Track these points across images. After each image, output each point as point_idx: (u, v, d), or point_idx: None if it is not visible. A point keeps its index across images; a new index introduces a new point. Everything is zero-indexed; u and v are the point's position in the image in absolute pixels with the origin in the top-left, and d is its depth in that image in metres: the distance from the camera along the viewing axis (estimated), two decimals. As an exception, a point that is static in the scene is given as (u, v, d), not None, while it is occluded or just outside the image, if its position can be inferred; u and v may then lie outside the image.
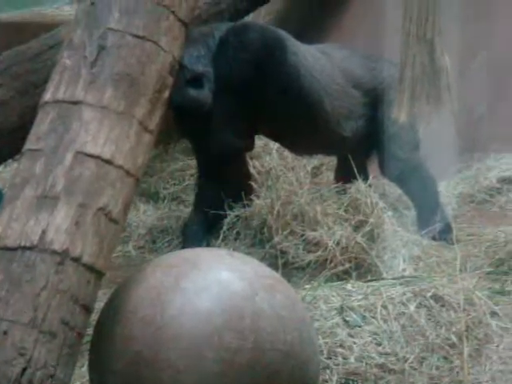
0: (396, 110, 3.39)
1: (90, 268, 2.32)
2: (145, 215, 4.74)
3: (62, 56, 2.53)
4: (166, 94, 2.57)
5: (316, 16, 5.94)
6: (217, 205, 4.11)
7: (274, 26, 4.63)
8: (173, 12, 2.60)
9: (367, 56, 4.55)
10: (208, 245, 4.07)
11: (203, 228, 4.18)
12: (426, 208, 4.43)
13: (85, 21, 2.55)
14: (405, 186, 4.53)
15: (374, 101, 4.40)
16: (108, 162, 2.39)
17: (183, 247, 4.22)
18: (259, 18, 5.81)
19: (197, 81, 4.02)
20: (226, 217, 4.08)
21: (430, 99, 3.34)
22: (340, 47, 4.63)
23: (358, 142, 4.39)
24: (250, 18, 5.67)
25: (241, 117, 4.12)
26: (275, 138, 4.52)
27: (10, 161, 4.43)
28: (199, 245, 4.03)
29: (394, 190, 4.79)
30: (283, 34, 4.28)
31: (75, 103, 2.43)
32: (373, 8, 5.54)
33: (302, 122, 4.25)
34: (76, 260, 2.29)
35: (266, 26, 4.49)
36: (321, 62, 4.32)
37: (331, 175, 4.91)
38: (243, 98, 4.10)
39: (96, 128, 2.40)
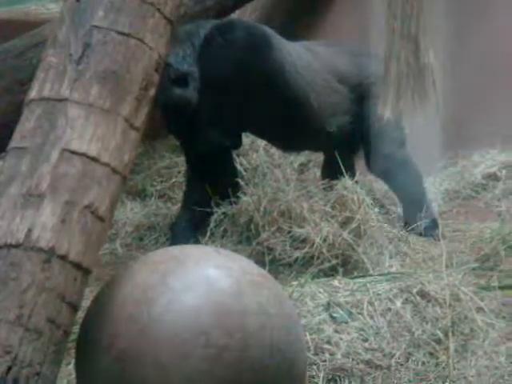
0: (381, 106, 3.40)
1: (77, 266, 2.31)
2: (132, 213, 4.74)
3: (47, 54, 2.52)
4: (152, 91, 2.57)
5: (301, 12, 5.95)
6: (205, 202, 4.11)
7: (259, 23, 4.63)
8: (158, 9, 2.59)
9: (353, 51, 4.56)
10: (196, 242, 4.07)
11: (191, 225, 4.19)
12: (412, 204, 4.45)
13: (70, 18, 2.54)
14: (391, 182, 4.55)
15: (360, 96, 4.40)
16: (94, 159, 2.38)
17: (171, 244, 4.22)
18: (245, 14, 5.80)
19: (182, 80, 4.02)
20: (212, 214, 4.08)
21: (414, 95, 3.35)
22: (326, 44, 4.64)
23: (343, 137, 4.40)
24: (235, 15, 5.68)
25: (227, 115, 4.13)
26: (261, 135, 4.52)
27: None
28: (187, 242, 4.04)
29: (381, 187, 4.80)
30: (268, 31, 4.28)
31: (61, 101, 2.42)
32: (359, 4, 5.55)
33: (287, 118, 4.26)
34: (62, 258, 2.28)
35: (251, 24, 4.49)
36: (306, 58, 4.32)
37: (318, 172, 4.92)
38: (229, 96, 4.10)
39: (82, 125, 2.40)
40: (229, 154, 4.30)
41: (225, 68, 4.10)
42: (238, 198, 4.02)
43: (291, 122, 4.27)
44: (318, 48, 4.47)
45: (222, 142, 4.16)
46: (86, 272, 2.34)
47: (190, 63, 4.06)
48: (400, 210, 4.58)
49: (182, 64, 4.03)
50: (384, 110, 3.45)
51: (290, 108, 4.23)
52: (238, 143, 4.30)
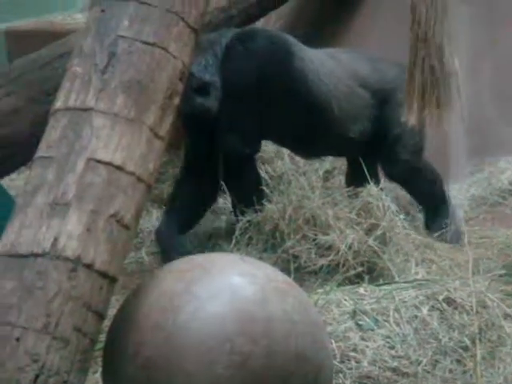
0: (406, 114, 3.39)
1: (103, 274, 2.32)
2: (158, 221, 4.74)
3: (73, 63, 2.54)
4: (177, 100, 2.58)
5: (326, 20, 5.94)
6: (194, 204, 4.15)
7: (281, 32, 4.63)
8: (182, 18, 2.60)
9: (374, 58, 4.56)
10: (182, 247, 4.10)
11: (176, 229, 4.20)
12: (434, 210, 4.43)
13: (95, 28, 2.56)
14: (410, 188, 4.52)
15: (381, 101, 4.39)
16: (119, 168, 2.39)
17: (161, 253, 4.22)
18: (270, 22, 5.81)
19: (203, 89, 4.04)
20: (201, 216, 4.12)
21: (439, 102, 3.34)
22: (348, 51, 4.64)
23: (365, 143, 4.39)
24: (260, 24, 5.69)
25: (248, 123, 4.13)
26: (282, 142, 4.52)
27: (23, 168, 4.45)
28: (173, 248, 4.05)
29: (406, 193, 4.79)
30: (290, 39, 4.29)
31: (86, 110, 2.44)
32: (384, 11, 5.54)
33: (309, 125, 4.25)
34: (88, 266, 2.29)
35: (273, 32, 4.49)
36: (329, 65, 4.32)
37: (343, 179, 4.91)
38: (250, 105, 4.11)
39: (107, 135, 2.41)
40: (253, 161, 4.30)
41: (246, 77, 4.10)
42: (262, 205, 4.03)
43: (313, 129, 4.27)
44: (340, 55, 4.47)
45: (245, 151, 4.17)
46: (112, 280, 2.35)
47: (211, 72, 4.07)
48: (422, 216, 4.56)
49: (203, 73, 4.05)
50: (409, 118, 3.44)
51: (312, 115, 4.23)
52: (257, 150, 4.32)
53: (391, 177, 4.51)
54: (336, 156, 4.80)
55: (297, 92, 4.18)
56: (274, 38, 4.28)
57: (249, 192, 4.13)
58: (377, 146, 4.42)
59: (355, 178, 4.44)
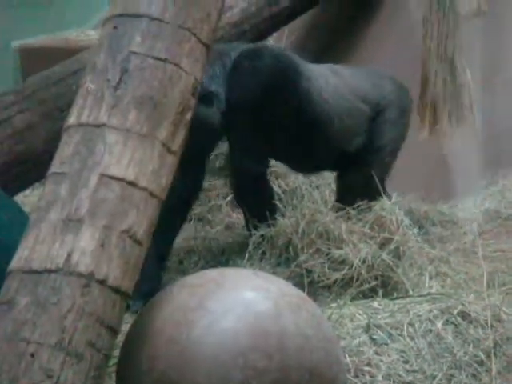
0: (419, 126, 3.39)
1: (116, 290, 2.33)
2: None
3: (86, 80, 2.56)
4: (189, 115, 2.59)
5: (339, 35, 5.96)
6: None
7: (288, 50, 4.61)
8: (194, 34, 2.62)
9: (374, 73, 4.55)
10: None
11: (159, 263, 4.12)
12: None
13: (107, 44, 2.58)
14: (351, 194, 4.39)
15: (376, 116, 4.38)
16: (132, 183, 2.40)
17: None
18: (282, 37, 5.83)
19: (207, 99, 4.02)
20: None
21: (452, 116, 3.34)
22: (349, 67, 4.62)
23: (355, 155, 4.36)
24: (273, 38, 5.71)
25: (257, 141, 4.13)
26: (283, 159, 4.49)
27: (37, 184, 4.47)
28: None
29: (420, 207, 4.78)
30: (296, 58, 4.27)
31: (99, 126, 2.45)
32: (396, 26, 5.55)
33: (311, 142, 4.24)
34: (101, 282, 2.30)
35: (279, 51, 4.47)
36: (333, 82, 4.31)
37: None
38: (253, 122, 4.10)
39: (120, 150, 2.42)
40: (264, 176, 4.30)
41: (250, 94, 4.10)
42: (275, 220, 4.02)
43: (314, 145, 4.25)
44: (343, 71, 4.46)
45: (257, 169, 4.17)
46: (125, 296, 2.36)
47: (218, 83, 4.06)
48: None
49: (209, 83, 4.04)
50: (422, 131, 3.44)
51: (314, 132, 4.22)
52: (267, 166, 4.30)
53: (346, 184, 4.43)
54: (332, 170, 4.73)
55: (302, 111, 4.17)
56: (282, 56, 4.27)
57: (262, 206, 4.13)
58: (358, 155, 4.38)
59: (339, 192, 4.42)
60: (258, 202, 4.17)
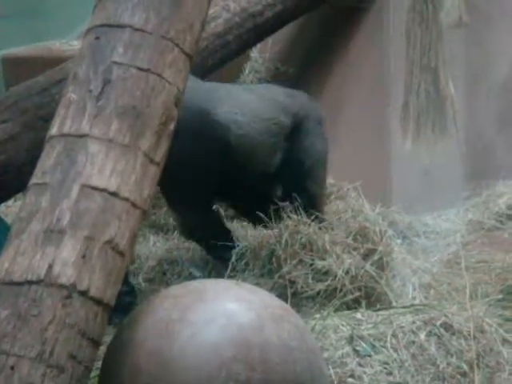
0: (402, 138, 3.40)
1: (98, 301, 2.31)
2: (155, 247, 4.73)
3: (68, 90, 2.55)
4: (172, 125, 2.58)
5: (323, 45, 5.96)
6: None
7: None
8: (177, 45, 2.61)
9: (285, 88, 4.48)
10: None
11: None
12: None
13: (90, 55, 2.57)
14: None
15: (295, 128, 4.29)
16: (114, 194, 2.39)
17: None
18: (266, 48, 5.83)
19: None
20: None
21: (435, 127, 3.35)
22: (261, 84, 4.58)
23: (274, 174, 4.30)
24: (256, 49, 5.71)
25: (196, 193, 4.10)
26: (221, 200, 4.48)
27: (19, 195, 4.44)
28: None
29: (403, 218, 4.78)
30: (204, 95, 4.10)
31: (81, 136, 2.44)
32: (376, 41, 5.55)
33: (232, 174, 4.15)
34: (83, 293, 2.28)
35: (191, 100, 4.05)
36: (251, 105, 4.22)
37: (340, 204, 4.90)
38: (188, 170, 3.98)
39: (102, 161, 2.41)
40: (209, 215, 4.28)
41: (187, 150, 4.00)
42: (235, 241, 4.02)
43: (236, 176, 4.17)
44: (258, 88, 4.43)
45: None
46: (107, 308, 2.34)
47: None
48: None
49: None
50: (405, 142, 3.45)
51: (232, 163, 4.11)
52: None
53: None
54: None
55: (220, 149, 4.10)
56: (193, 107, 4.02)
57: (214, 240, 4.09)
58: (285, 175, 4.32)
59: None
60: (208, 240, 4.15)
